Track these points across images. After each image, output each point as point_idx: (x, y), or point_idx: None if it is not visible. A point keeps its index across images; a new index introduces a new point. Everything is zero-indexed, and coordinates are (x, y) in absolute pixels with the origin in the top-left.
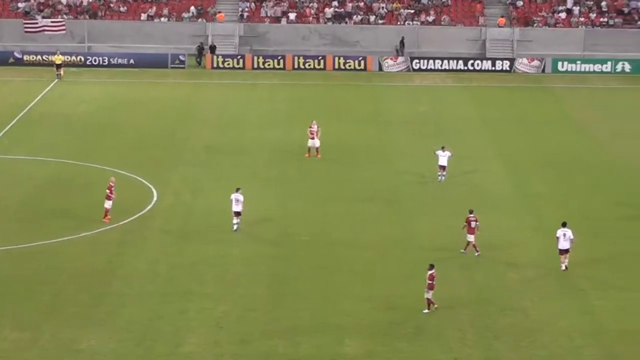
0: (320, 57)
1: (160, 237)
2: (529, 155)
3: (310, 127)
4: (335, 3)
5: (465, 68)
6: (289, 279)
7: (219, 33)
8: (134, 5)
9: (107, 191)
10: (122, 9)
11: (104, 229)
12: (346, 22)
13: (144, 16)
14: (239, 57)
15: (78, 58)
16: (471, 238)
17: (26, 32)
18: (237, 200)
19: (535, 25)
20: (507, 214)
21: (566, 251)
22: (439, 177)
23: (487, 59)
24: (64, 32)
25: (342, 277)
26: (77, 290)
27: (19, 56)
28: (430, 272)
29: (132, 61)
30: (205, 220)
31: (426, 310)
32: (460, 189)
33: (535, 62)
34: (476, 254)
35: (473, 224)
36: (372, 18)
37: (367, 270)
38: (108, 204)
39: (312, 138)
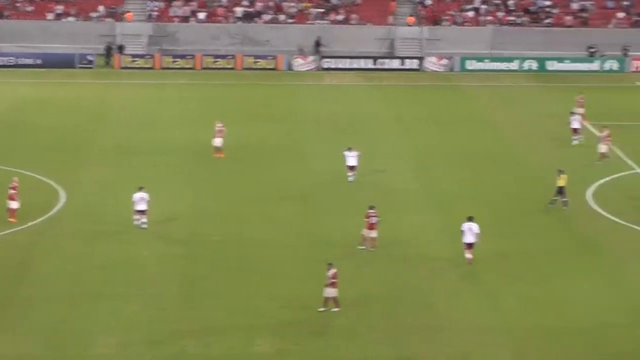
0: (230, 57)
1: (70, 238)
2: (438, 153)
3: (216, 126)
4: (245, 2)
5: (375, 67)
6: (200, 279)
7: (127, 33)
8: (41, 5)
9: (12, 191)
10: (28, 8)
11: (12, 231)
12: (256, 22)
13: (51, 15)
14: (148, 56)
15: None
16: (372, 234)
17: None
18: (142, 199)
19: (443, 24)
20: (417, 211)
21: (471, 245)
22: (349, 178)
23: (396, 58)
24: None
25: (253, 276)
26: None
27: None
28: (332, 270)
29: (39, 61)
30: (116, 220)
31: (322, 309)
32: (372, 187)
33: (444, 61)
34: (370, 249)
35: (373, 220)
36: (282, 17)
37: (278, 269)
38: (13, 204)
39: (217, 137)
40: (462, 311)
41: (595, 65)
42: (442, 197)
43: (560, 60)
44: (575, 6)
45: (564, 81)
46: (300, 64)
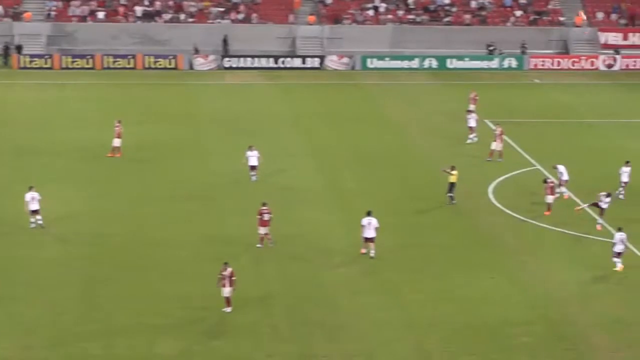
0: (130, 56)
1: None
2: (339, 151)
3: (115, 126)
4: (145, 2)
5: (276, 66)
6: (102, 280)
7: (25, 32)
8: None
9: None
10: None
11: None
12: (156, 21)
13: None
14: (47, 56)
15: None
16: (264, 230)
17: None
18: (34, 199)
19: (344, 22)
20: (318, 208)
21: (371, 239)
22: (252, 177)
23: (297, 57)
24: None
25: (156, 276)
26: None
27: None
28: (229, 269)
29: None
30: (13, 222)
31: (229, 309)
32: (274, 186)
33: (345, 59)
34: (270, 244)
35: (266, 217)
36: (182, 16)
37: (180, 269)
38: None
39: (116, 137)
40: (364, 308)
41: (494, 63)
42: (343, 195)
43: (460, 58)
44: (474, 4)
45: (463, 79)
46: (201, 63)
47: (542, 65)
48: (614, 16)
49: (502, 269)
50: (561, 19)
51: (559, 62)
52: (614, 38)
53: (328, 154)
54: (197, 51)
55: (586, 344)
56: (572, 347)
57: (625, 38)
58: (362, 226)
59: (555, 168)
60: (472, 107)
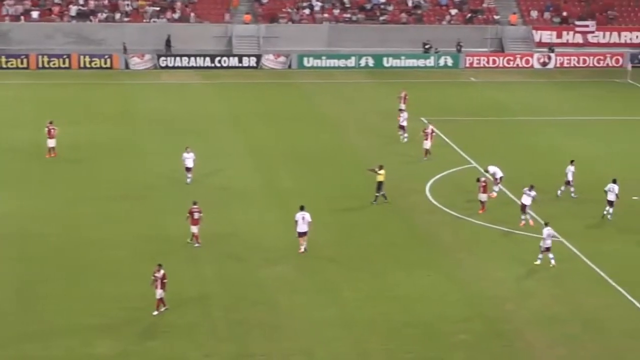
0: (65, 56)
1: None
2: (276, 150)
3: (48, 126)
4: (80, 1)
5: (213, 65)
6: (38, 281)
7: None
8: None
9: None
10: None
11: None
12: (91, 20)
13: None
14: None
15: None
16: (195, 229)
17: None
18: None
19: (280, 21)
20: (256, 208)
21: (304, 234)
22: (187, 179)
23: (233, 56)
24: None
25: (92, 277)
26: None
27: None
28: (162, 272)
29: None
30: None
31: (156, 311)
32: (211, 185)
33: (282, 58)
34: (196, 244)
35: (196, 215)
36: (118, 16)
37: (117, 269)
38: None
39: (50, 138)
40: (302, 306)
41: (430, 62)
42: (280, 194)
43: (397, 56)
44: (409, 3)
45: (400, 77)
46: (137, 62)
47: (478, 63)
48: (547, 14)
49: (439, 267)
50: (496, 17)
51: (494, 60)
52: (548, 36)
53: (265, 153)
54: (125, 50)
55: (523, 340)
56: (508, 344)
57: (559, 36)
58: (296, 221)
59: (487, 171)
60: (402, 106)
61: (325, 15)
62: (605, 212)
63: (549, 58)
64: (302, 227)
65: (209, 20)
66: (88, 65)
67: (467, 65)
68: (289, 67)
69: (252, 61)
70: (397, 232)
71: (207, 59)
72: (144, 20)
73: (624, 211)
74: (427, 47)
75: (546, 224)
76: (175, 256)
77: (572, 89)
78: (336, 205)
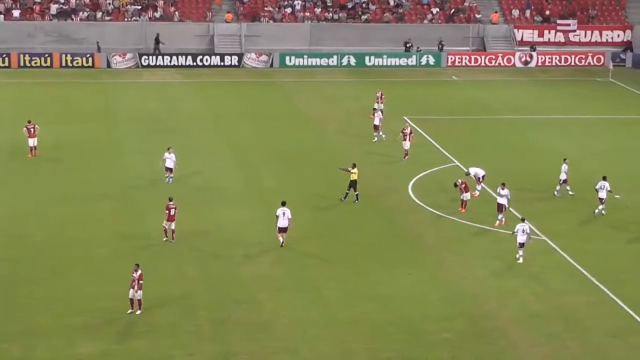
0: (46, 55)
1: None
2: (258, 149)
3: (27, 126)
4: None
5: (195, 64)
6: (21, 281)
7: None
8: None
9: None
10: None
11: None
12: (72, 19)
13: None
14: None
15: None
16: (170, 225)
17: None
18: None
19: (262, 20)
20: (239, 208)
21: (285, 229)
22: (166, 180)
23: (215, 55)
24: None
25: (75, 276)
26: None
27: None
28: (139, 272)
29: None
30: None
31: (139, 311)
32: (192, 185)
33: (264, 57)
34: (171, 240)
35: (172, 212)
36: (99, 14)
37: (100, 269)
38: None
39: (31, 137)
40: (285, 305)
41: (412, 60)
42: (262, 192)
43: (379, 55)
44: (391, 2)
45: (382, 76)
46: (119, 61)
47: (460, 62)
48: (528, 13)
49: (421, 266)
50: (477, 16)
51: (476, 59)
52: (529, 35)
53: (247, 152)
54: (99, 49)
55: (506, 339)
56: (492, 342)
57: (540, 35)
58: (277, 216)
59: (468, 174)
60: (377, 105)
61: (307, 14)
62: (596, 211)
63: (531, 57)
64: (282, 223)
65: (190, 19)
66: (70, 64)
67: (449, 64)
68: (271, 66)
69: (234, 60)
70: (379, 231)
71: (189, 57)
72: (126, 19)
73: (606, 209)
74: (408, 45)
75: (523, 220)
76: (158, 255)
77: (553, 88)
78: (318, 204)
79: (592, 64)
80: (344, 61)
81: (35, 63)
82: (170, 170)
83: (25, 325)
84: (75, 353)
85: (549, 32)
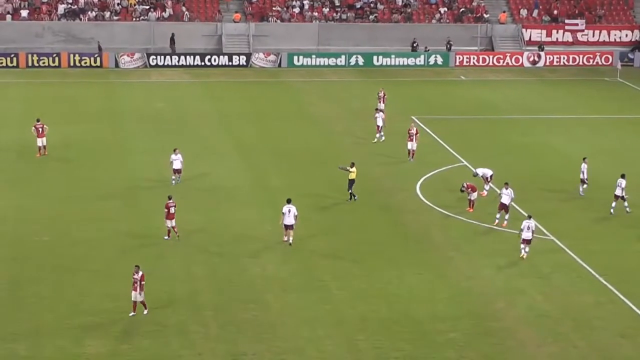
0: (54, 55)
1: None
2: (266, 149)
3: (35, 125)
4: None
5: (202, 64)
6: (28, 281)
7: None
8: None
9: None
10: None
11: None
12: (80, 19)
13: None
14: None
15: None
16: (171, 223)
17: None
18: None
19: (270, 20)
20: (246, 207)
21: (291, 227)
22: (172, 181)
23: (223, 54)
24: None
25: (82, 276)
26: None
27: None
28: (140, 273)
29: None
30: None
31: (145, 311)
32: (199, 184)
33: (272, 57)
34: (176, 238)
35: (172, 210)
36: (107, 14)
37: (107, 268)
38: None
39: (40, 137)
40: (293, 305)
41: (420, 60)
42: (269, 192)
43: (387, 55)
44: (399, 2)
45: (390, 76)
46: (127, 61)
47: (468, 61)
48: (536, 13)
49: (429, 265)
50: (486, 15)
51: (484, 59)
52: (537, 35)
53: (254, 152)
54: (100, 49)
55: (513, 338)
56: (499, 342)
57: (549, 35)
58: (282, 214)
59: (476, 175)
60: (380, 105)
61: (315, 13)
62: (628, 210)
63: (539, 56)
64: (288, 220)
65: (199, 19)
66: (78, 64)
67: (457, 63)
68: (279, 65)
69: (242, 60)
70: (386, 230)
71: (197, 57)
72: (134, 19)
73: (617, 208)
74: (415, 45)
75: (529, 217)
76: (164, 255)
77: (561, 88)
78: (325, 203)
79: (600, 63)
80: (352, 61)
81: (44, 63)
82: (178, 171)
83: (32, 324)
84: (82, 353)
85: (557, 32)
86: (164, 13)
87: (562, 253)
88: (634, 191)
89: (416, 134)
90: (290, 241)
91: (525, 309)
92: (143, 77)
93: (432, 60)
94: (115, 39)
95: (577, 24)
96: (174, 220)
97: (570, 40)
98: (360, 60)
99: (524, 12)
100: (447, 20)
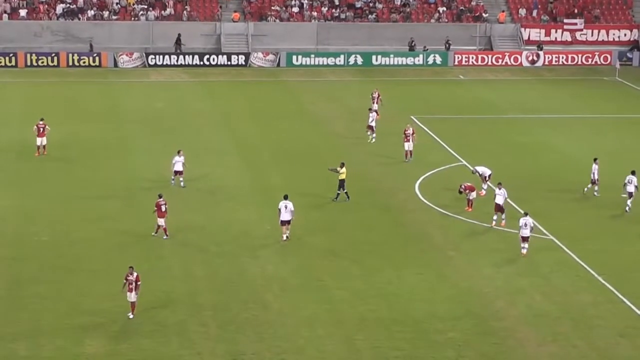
0: (53, 54)
1: None
2: (265, 148)
3: (38, 124)
4: None
5: (201, 63)
6: (28, 281)
7: None
8: None
9: None
10: None
11: None
12: (79, 18)
13: None
14: None
15: None
16: (161, 222)
17: None
18: None
19: (269, 19)
20: (245, 207)
21: (287, 222)
22: (173, 182)
23: (222, 54)
24: None
25: (82, 276)
26: None
27: None
28: (135, 274)
29: None
30: None
31: (131, 315)
32: (199, 184)
33: (270, 56)
34: (165, 237)
35: (163, 208)
36: (106, 14)
37: (106, 268)
38: None
39: (40, 136)
40: (292, 305)
41: (419, 60)
42: (268, 191)
43: (385, 54)
44: (397, 1)
45: (389, 75)
46: (126, 60)
47: (466, 61)
48: (535, 12)
49: (428, 265)
50: (484, 15)
51: (482, 58)
52: (536, 34)
53: (253, 151)
54: (92, 47)
55: (513, 338)
56: (499, 342)
57: (547, 34)
58: (279, 210)
59: (475, 172)
60: (374, 106)
61: (314, 13)
62: (628, 209)
63: (538, 56)
64: (284, 216)
65: (198, 19)
66: (76, 64)
67: (456, 63)
68: (278, 65)
69: (241, 59)
70: (386, 230)
71: (196, 57)
72: (133, 19)
73: (624, 205)
74: (412, 44)
75: (526, 214)
76: (164, 254)
77: (560, 87)
78: (325, 203)
79: (599, 63)
80: (351, 60)
81: (42, 62)
82: (180, 173)
83: (31, 324)
84: (82, 352)
85: (556, 31)
86: (163, 12)
87: (562, 252)
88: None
89: (412, 134)
90: (287, 236)
91: (525, 309)
92: (142, 77)
93: (430, 60)
94: (114, 39)
95: (575, 24)
96: (164, 219)
97: (569, 39)
98: (359, 60)
99: (522, 11)
100: (446, 20)
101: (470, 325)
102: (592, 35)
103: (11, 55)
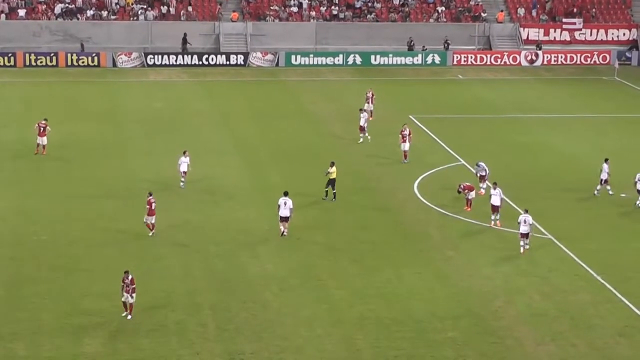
0: (52, 54)
1: None
2: (265, 147)
3: (39, 123)
4: None
5: (200, 63)
6: (27, 280)
7: None
8: None
9: None
10: None
11: None
12: (78, 18)
13: None
14: None
15: None
16: (151, 219)
17: None
18: None
19: (268, 19)
20: (245, 206)
21: (286, 219)
22: (182, 184)
23: (221, 54)
24: None
25: (81, 275)
26: None
27: None
28: (130, 277)
29: None
30: None
31: (129, 316)
32: (198, 183)
33: (269, 56)
34: (150, 233)
35: (153, 206)
36: (105, 14)
37: (106, 267)
38: None
39: (41, 135)
40: (291, 304)
41: (418, 59)
42: (267, 191)
43: (384, 54)
44: (396, 1)
45: (387, 75)
46: (125, 60)
47: (465, 61)
48: (533, 12)
49: (428, 264)
50: (483, 14)
51: (481, 58)
52: (535, 34)
53: (252, 151)
54: (83, 47)
55: (512, 337)
56: (498, 341)
57: (546, 34)
58: (278, 206)
59: (478, 165)
60: (366, 106)
61: (313, 13)
62: (638, 202)
63: (536, 55)
64: (283, 212)
65: (196, 18)
66: (75, 64)
67: (455, 62)
68: (277, 65)
69: (240, 59)
70: (385, 230)
71: (195, 56)
72: (132, 18)
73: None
74: (411, 44)
75: (525, 211)
76: (163, 254)
77: (559, 87)
78: (324, 203)
79: (597, 62)
80: (350, 60)
81: (41, 62)
82: (184, 173)
83: (31, 324)
84: (81, 352)
85: (555, 31)
86: (162, 8)
87: (561, 252)
88: (633, 190)
89: (409, 134)
90: (285, 233)
91: (524, 308)
92: (141, 77)
93: (429, 60)
94: (113, 39)
95: (574, 23)
96: (154, 217)
97: (568, 39)
98: (358, 60)
99: (521, 11)
100: (445, 20)
101: (469, 324)
102: (591, 34)
103: (10, 55)
